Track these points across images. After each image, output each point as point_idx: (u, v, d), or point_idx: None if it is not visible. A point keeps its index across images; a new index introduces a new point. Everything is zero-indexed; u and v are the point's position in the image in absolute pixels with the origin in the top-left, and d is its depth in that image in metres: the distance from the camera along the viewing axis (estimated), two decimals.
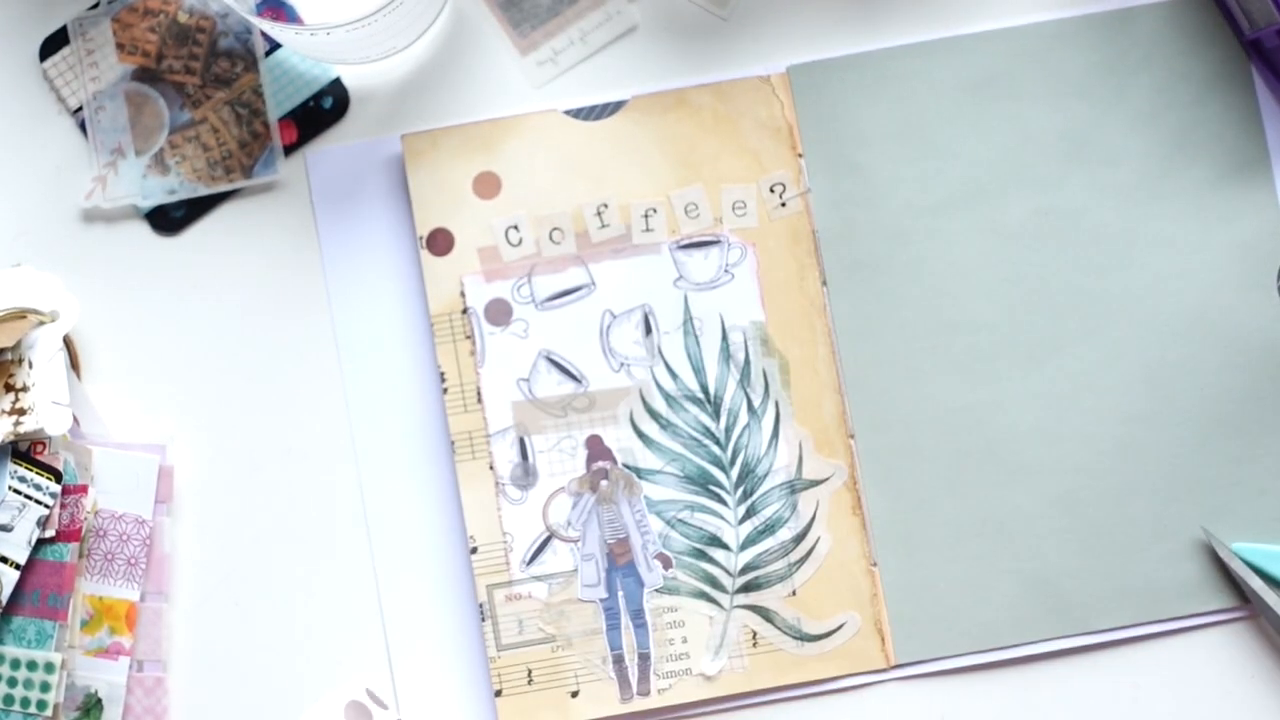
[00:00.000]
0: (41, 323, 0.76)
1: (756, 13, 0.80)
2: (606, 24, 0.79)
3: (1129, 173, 0.79)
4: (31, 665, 0.74)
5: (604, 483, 0.78)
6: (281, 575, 0.78)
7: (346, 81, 0.80)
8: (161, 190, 0.79)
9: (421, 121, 0.79)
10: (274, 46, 0.80)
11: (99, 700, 0.76)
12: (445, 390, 0.78)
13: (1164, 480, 0.78)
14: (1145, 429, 0.78)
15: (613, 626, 0.77)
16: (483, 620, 0.77)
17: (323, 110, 0.79)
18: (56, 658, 0.74)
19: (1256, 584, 0.76)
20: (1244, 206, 0.78)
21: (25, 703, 0.74)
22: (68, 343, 0.77)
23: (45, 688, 0.74)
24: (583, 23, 0.80)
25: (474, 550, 0.77)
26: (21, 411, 0.73)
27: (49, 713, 0.74)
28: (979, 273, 0.78)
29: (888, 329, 0.78)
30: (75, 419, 0.77)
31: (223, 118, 0.79)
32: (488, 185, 0.79)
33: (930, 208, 0.78)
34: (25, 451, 0.75)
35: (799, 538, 0.77)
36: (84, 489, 0.75)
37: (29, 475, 0.74)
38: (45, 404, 0.74)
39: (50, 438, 0.75)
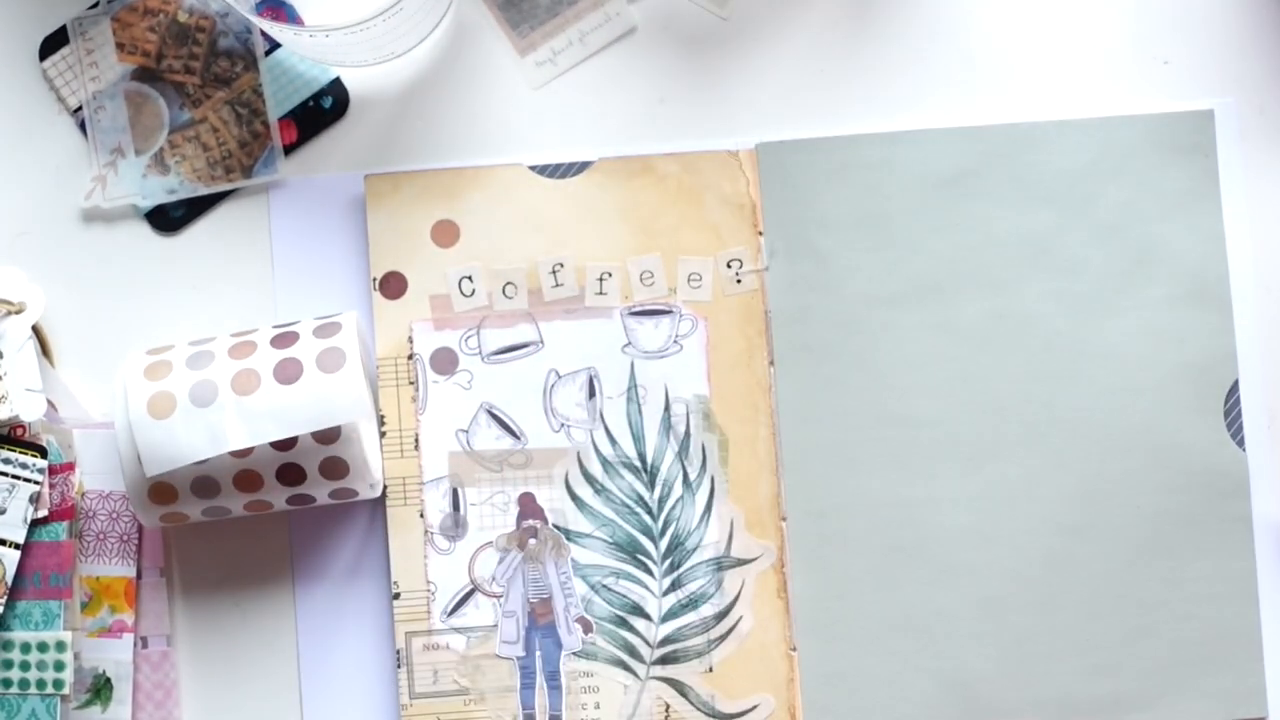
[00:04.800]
0: (10, 313, 0.76)
1: (757, 12, 0.79)
2: (606, 25, 0.79)
3: (1087, 283, 0.78)
4: (43, 646, 0.75)
5: (532, 541, 0.78)
6: (234, 576, 0.79)
7: (346, 81, 0.80)
8: (161, 190, 0.79)
9: (421, 122, 0.79)
10: (274, 46, 0.79)
11: (108, 679, 0.76)
12: (384, 434, 0.78)
13: (1091, 595, 0.77)
14: (1077, 541, 0.77)
15: (527, 685, 0.77)
16: (398, 666, 0.77)
17: (323, 110, 0.79)
18: (67, 635, 0.75)
19: None
20: (1199, 329, 0.78)
21: (42, 684, 0.75)
22: (37, 331, 0.78)
23: (60, 666, 0.75)
24: (582, 24, 0.79)
25: (396, 596, 0.77)
26: None
27: (66, 690, 0.75)
28: (927, 369, 0.78)
29: (831, 416, 0.78)
30: (52, 404, 0.77)
31: (223, 117, 0.79)
32: (446, 233, 0.78)
33: (885, 299, 0.78)
34: (6, 435, 0.76)
35: (721, 615, 0.77)
36: (70, 467, 0.76)
37: (13, 456, 0.75)
38: (18, 391, 0.75)
39: (26, 423, 0.76)
